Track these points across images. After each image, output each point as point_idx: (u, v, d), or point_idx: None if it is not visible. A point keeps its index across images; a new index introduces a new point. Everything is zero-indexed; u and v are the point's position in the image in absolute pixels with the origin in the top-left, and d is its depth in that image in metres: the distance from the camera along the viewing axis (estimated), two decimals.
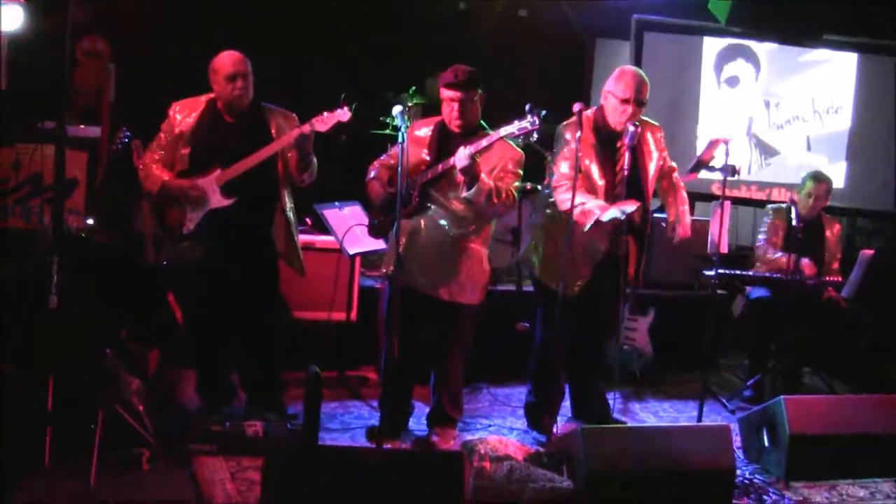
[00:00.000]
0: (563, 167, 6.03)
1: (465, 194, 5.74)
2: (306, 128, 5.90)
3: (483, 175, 5.71)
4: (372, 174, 6.21)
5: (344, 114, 5.95)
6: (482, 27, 9.84)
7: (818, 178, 7.83)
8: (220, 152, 6.03)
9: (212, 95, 6.14)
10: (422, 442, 6.15)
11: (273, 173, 6.11)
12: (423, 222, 5.94)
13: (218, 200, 6.01)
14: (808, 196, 7.74)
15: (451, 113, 5.92)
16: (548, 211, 6.25)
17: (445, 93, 5.90)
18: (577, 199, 5.78)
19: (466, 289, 6.03)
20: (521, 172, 6.00)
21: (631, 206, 5.76)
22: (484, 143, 5.66)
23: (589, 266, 6.13)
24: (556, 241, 6.05)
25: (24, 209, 6.67)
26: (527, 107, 5.61)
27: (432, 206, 5.94)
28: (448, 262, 5.98)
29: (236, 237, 6.07)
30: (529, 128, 5.52)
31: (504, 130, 5.63)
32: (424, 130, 6.06)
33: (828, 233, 7.89)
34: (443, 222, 5.95)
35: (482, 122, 6.03)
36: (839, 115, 10.06)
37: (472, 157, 5.62)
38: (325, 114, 5.93)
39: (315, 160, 6.11)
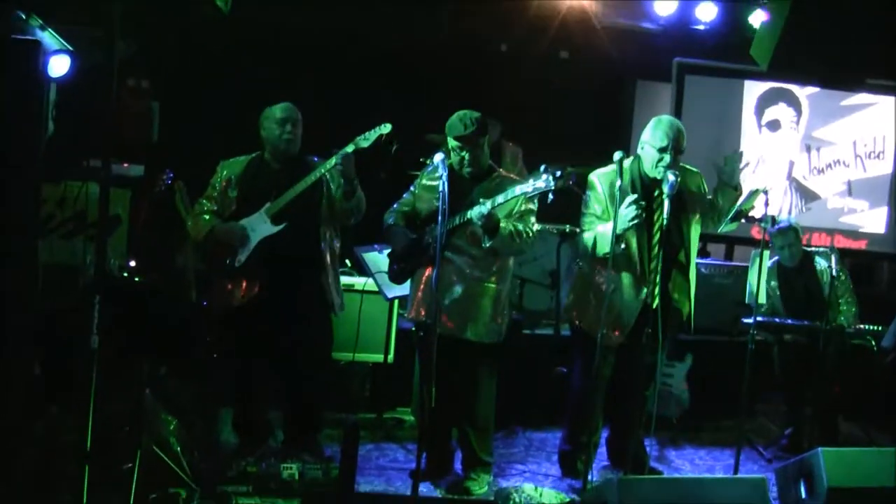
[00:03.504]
0: (587, 220, 6.15)
1: (487, 245, 5.81)
2: (349, 148, 5.98)
3: (503, 222, 5.78)
4: (390, 220, 6.28)
5: (385, 127, 6.01)
6: (523, 69, 9.88)
7: (781, 232, 7.75)
8: (267, 193, 6.15)
9: (256, 153, 6.31)
10: (456, 487, 6.15)
11: (317, 207, 6.20)
12: (444, 268, 5.92)
13: (266, 229, 6.12)
14: (782, 249, 7.73)
15: (461, 161, 6.00)
16: (584, 260, 6.27)
17: (454, 143, 5.97)
18: (594, 232, 5.91)
19: (491, 329, 6.08)
20: (535, 206, 6.05)
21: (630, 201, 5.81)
22: (500, 198, 5.74)
23: (631, 315, 6.14)
24: (597, 290, 6.07)
25: (68, 246, 6.74)
26: (542, 167, 5.69)
27: (453, 253, 5.98)
28: (473, 304, 6.03)
29: (284, 276, 6.13)
30: (544, 187, 5.62)
31: (519, 189, 5.73)
32: (435, 175, 6.09)
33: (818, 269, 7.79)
34: (464, 267, 6.00)
35: (490, 161, 6.15)
36: (881, 159, 10.00)
37: (490, 212, 5.69)
38: (367, 132, 6.01)
39: (361, 193, 6.17)
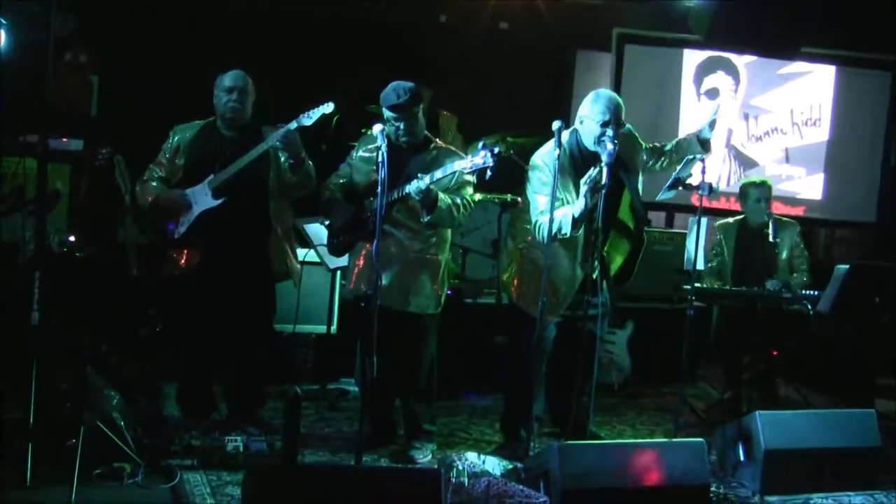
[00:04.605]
0: (538, 201, 6.06)
1: (426, 219, 5.84)
2: (292, 125, 5.97)
3: (441, 195, 5.82)
4: (327, 194, 6.30)
5: (328, 107, 5.99)
6: (463, 40, 9.89)
7: (756, 184, 7.82)
8: (214, 162, 6.13)
9: (211, 119, 6.28)
10: (400, 455, 6.20)
11: (265, 183, 6.18)
12: (384, 241, 5.85)
13: (206, 202, 6.09)
14: (756, 202, 7.76)
15: (396, 132, 6.00)
16: (527, 238, 6.28)
17: (389, 113, 5.98)
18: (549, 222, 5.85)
19: (431, 299, 6.15)
20: (473, 178, 6.06)
21: (593, 172, 5.77)
22: (438, 174, 5.75)
23: (570, 288, 6.18)
24: (537, 268, 6.09)
25: (7, 223, 6.69)
26: (480, 143, 5.68)
27: (392, 226, 6.01)
28: (414, 276, 6.08)
29: (228, 246, 6.13)
30: (482, 164, 5.61)
31: (458, 165, 5.75)
32: (372, 147, 6.09)
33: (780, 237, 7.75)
34: (403, 240, 6.05)
35: (426, 132, 6.19)
36: (818, 127, 10.16)
37: (429, 188, 5.71)
38: (310, 110, 5.99)
39: (311, 164, 6.19)
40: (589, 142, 6.03)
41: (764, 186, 7.74)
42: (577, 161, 6.06)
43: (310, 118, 5.98)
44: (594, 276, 6.10)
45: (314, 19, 9.43)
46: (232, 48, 8.45)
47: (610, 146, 5.80)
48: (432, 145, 6.14)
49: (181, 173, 6.24)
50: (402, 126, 5.97)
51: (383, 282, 5.73)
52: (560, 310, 6.22)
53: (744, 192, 7.79)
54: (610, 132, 5.92)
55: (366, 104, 8.40)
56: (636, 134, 6.35)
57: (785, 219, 7.91)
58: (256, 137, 6.13)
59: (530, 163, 6.17)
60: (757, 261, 7.66)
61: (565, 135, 6.04)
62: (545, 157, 6.05)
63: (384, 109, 5.99)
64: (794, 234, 7.80)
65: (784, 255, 7.72)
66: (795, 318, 7.66)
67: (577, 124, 6.12)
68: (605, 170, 5.78)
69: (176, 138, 6.29)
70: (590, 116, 6.01)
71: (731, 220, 7.91)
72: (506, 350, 6.93)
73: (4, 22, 5.77)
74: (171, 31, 8.86)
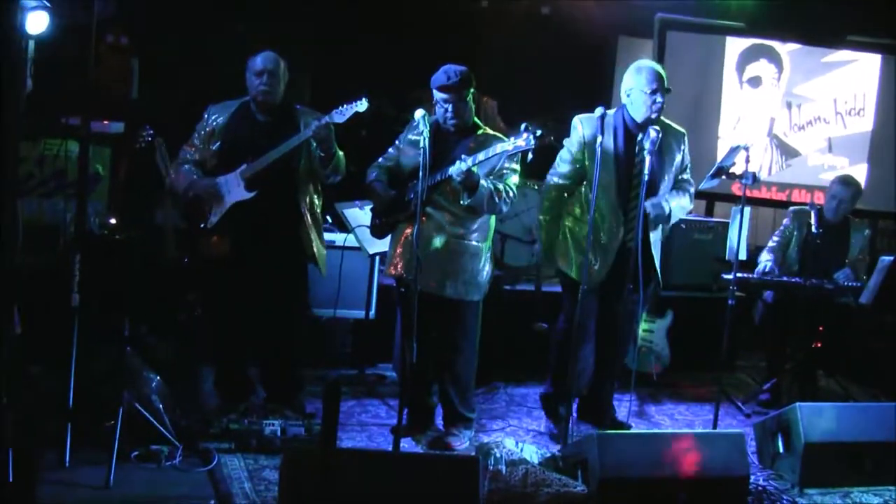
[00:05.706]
0: (563, 168, 6.30)
1: (465, 202, 5.82)
2: (324, 120, 5.96)
3: (482, 181, 5.79)
4: (372, 176, 6.27)
5: (361, 105, 5.97)
6: (505, 25, 9.85)
7: (845, 181, 7.77)
8: (248, 148, 6.11)
9: (246, 98, 6.24)
10: (438, 442, 6.19)
11: (296, 170, 6.16)
12: (425, 224, 5.91)
13: (239, 194, 6.08)
14: (833, 199, 7.69)
15: (444, 114, 5.99)
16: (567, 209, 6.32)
17: (438, 95, 5.96)
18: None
19: (471, 286, 6.11)
20: (517, 166, 6.08)
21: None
22: (481, 156, 5.73)
23: (612, 254, 6.20)
24: (575, 236, 6.22)
25: (49, 205, 6.73)
26: (522, 125, 5.68)
27: (434, 209, 6.00)
28: (452, 261, 6.06)
29: (261, 233, 6.13)
30: (524, 146, 5.63)
31: (500, 147, 5.73)
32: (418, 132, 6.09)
33: (852, 238, 7.81)
34: (444, 223, 6.03)
35: (475, 118, 6.16)
36: (861, 116, 10.01)
37: (470, 170, 5.69)
38: (344, 105, 5.97)
39: (341, 155, 6.16)
40: (638, 113, 6.06)
41: (848, 185, 7.71)
42: (617, 138, 6.13)
43: (342, 115, 5.95)
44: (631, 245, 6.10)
45: (354, 1, 9.39)
46: (270, 29, 8.46)
47: (653, 134, 5.86)
48: (480, 131, 6.10)
49: (215, 159, 6.23)
50: (450, 108, 5.95)
51: (421, 265, 5.72)
52: (601, 273, 6.23)
53: (831, 187, 7.78)
54: (660, 98, 6.03)
55: (405, 88, 8.40)
56: (686, 145, 6.37)
57: (858, 220, 7.86)
58: (290, 121, 6.13)
59: (574, 122, 6.26)
60: (822, 254, 7.53)
61: (611, 112, 6.16)
62: (585, 121, 6.19)
63: (434, 91, 5.97)
64: (865, 237, 7.87)
65: (854, 254, 7.69)
66: (839, 310, 7.59)
67: (623, 98, 6.17)
68: (647, 158, 5.84)
69: (210, 121, 6.25)
70: (637, 87, 6.08)
71: (807, 207, 7.81)
72: (548, 334, 6.90)
73: (48, 4, 5.78)
74: (211, 13, 8.85)
